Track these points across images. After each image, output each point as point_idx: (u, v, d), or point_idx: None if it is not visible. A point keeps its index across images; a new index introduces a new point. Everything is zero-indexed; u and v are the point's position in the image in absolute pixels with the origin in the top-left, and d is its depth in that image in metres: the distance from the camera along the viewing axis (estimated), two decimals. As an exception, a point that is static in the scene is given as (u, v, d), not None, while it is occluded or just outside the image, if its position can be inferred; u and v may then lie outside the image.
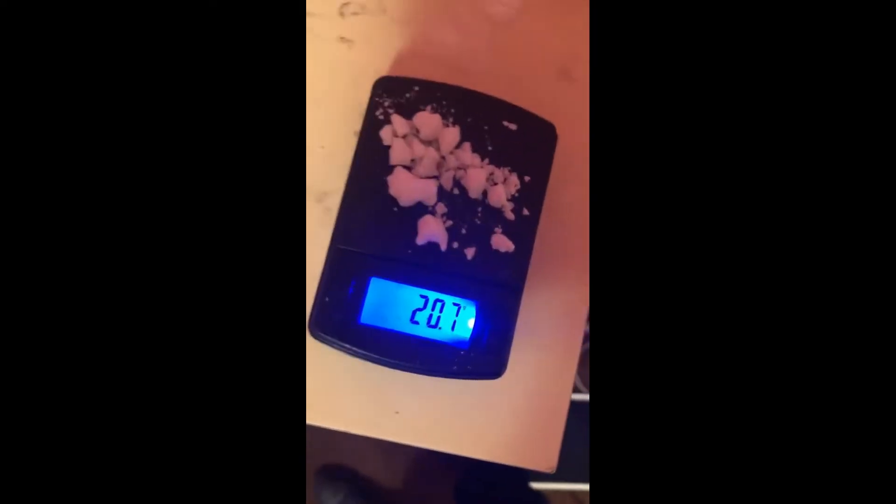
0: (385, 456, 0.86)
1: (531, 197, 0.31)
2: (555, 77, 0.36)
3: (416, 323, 0.30)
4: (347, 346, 0.29)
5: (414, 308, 0.30)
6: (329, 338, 0.29)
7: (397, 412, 0.33)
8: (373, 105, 0.31)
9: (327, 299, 0.29)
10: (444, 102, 0.31)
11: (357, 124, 0.32)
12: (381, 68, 0.35)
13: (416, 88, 0.31)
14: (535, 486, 0.85)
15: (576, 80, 0.37)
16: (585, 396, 0.85)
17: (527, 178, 0.31)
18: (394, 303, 0.30)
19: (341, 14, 0.35)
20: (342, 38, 0.35)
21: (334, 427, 0.33)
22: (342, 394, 0.33)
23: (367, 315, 0.30)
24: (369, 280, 0.30)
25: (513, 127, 0.32)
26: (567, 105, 0.36)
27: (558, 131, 0.34)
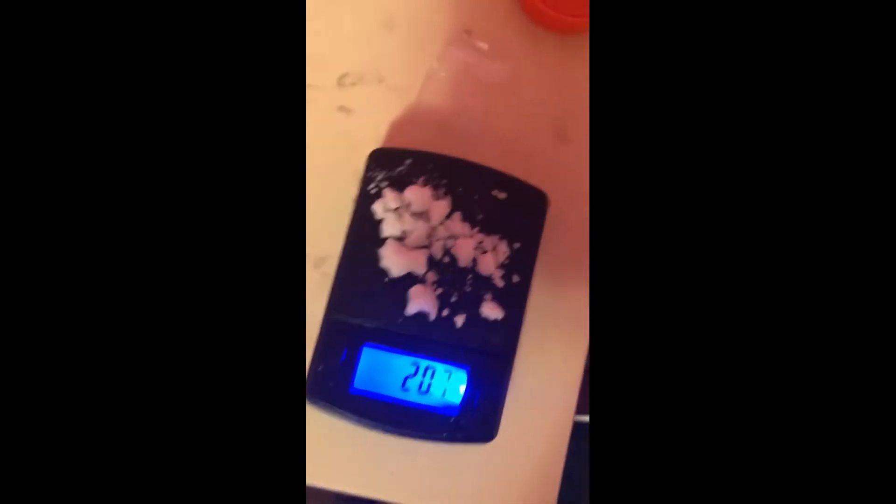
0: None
1: (521, 264, 0.32)
2: (551, 138, 0.37)
3: (407, 390, 0.31)
4: (341, 412, 0.31)
5: (405, 375, 0.31)
6: (324, 404, 0.31)
7: (392, 472, 0.34)
8: (366, 179, 0.32)
9: (321, 367, 0.31)
10: (435, 174, 0.32)
11: (355, 190, 0.33)
12: (379, 135, 0.36)
13: (409, 161, 0.32)
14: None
15: (572, 140, 0.37)
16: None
17: (516, 246, 0.32)
18: (386, 370, 0.31)
19: (340, 84, 0.36)
20: (341, 108, 0.36)
21: (330, 487, 0.34)
22: (338, 455, 0.34)
23: (360, 382, 0.31)
24: (362, 348, 0.31)
25: (502, 196, 0.32)
26: (564, 166, 0.37)
27: (555, 192, 0.35)
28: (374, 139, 0.36)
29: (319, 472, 0.34)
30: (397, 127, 0.36)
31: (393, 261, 0.31)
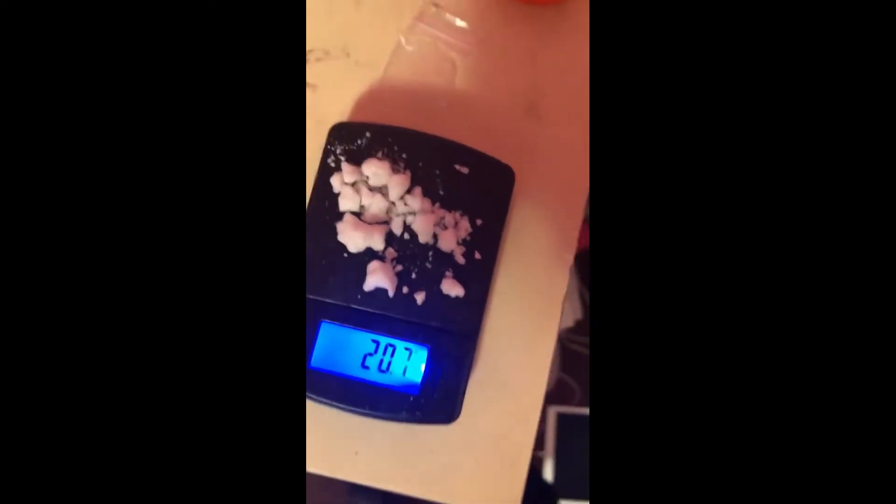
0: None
1: (484, 241, 0.31)
2: (521, 115, 0.36)
3: (367, 368, 0.31)
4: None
5: (365, 353, 0.31)
6: (281, 382, 0.30)
7: (356, 453, 0.33)
8: (326, 152, 0.32)
9: (279, 344, 0.30)
10: (395, 147, 0.32)
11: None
12: (345, 110, 0.36)
13: (368, 134, 0.32)
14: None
15: (542, 116, 0.36)
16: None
17: (479, 222, 0.31)
18: (344, 347, 0.31)
19: (306, 60, 0.36)
20: (307, 84, 0.36)
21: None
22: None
23: (318, 359, 0.30)
24: (319, 324, 0.30)
25: (464, 170, 0.32)
26: (534, 143, 0.36)
27: (525, 170, 0.34)
28: (339, 115, 0.35)
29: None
30: (363, 103, 0.36)
31: (350, 236, 0.30)
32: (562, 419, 0.89)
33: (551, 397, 0.88)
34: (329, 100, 0.36)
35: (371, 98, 0.36)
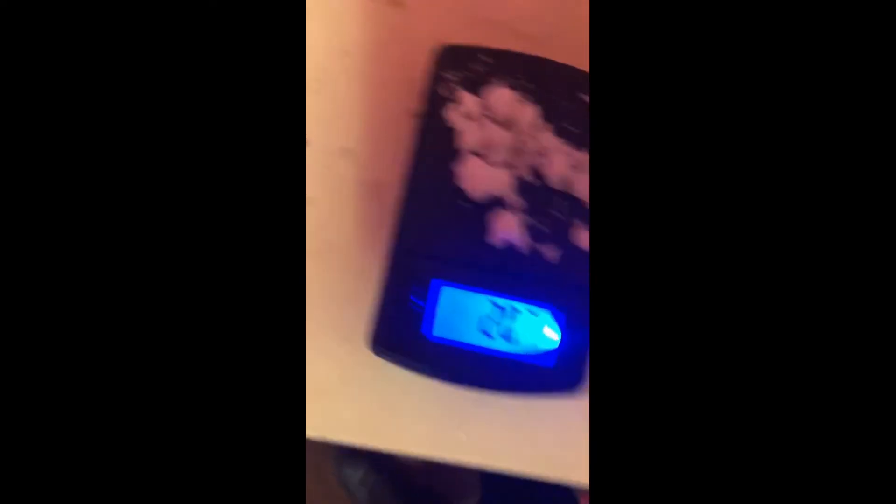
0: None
1: (623, 184, 0.27)
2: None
3: (493, 337, 0.26)
4: (416, 364, 0.26)
5: (491, 319, 0.26)
6: (394, 355, 0.26)
7: (462, 432, 0.29)
8: (435, 80, 0.26)
9: (389, 310, 0.25)
10: (518, 76, 0.26)
11: (412, 102, 0.27)
12: (438, 37, 0.30)
13: (487, 59, 0.26)
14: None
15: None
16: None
17: (619, 162, 0.26)
18: (467, 314, 0.26)
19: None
20: (392, 1, 0.30)
21: (397, 450, 0.29)
22: (401, 414, 0.29)
23: (440, 328, 0.26)
24: (440, 288, 0.26)
25: (601, 101, 0.27)
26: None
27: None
28: (431, 41, 0.30)
29: (380, 434, 0.29)
30: (460, 26, 0.30)
31: (473, 178, 0.25)
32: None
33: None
34: (419, 21, 0.30)
35: (472, 20, 0.30)
